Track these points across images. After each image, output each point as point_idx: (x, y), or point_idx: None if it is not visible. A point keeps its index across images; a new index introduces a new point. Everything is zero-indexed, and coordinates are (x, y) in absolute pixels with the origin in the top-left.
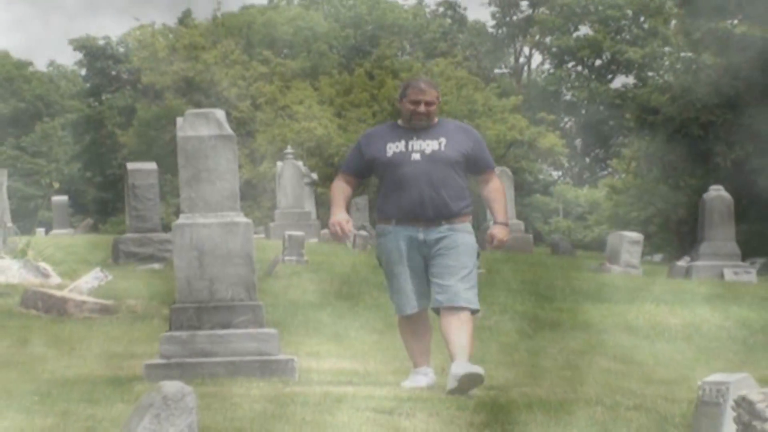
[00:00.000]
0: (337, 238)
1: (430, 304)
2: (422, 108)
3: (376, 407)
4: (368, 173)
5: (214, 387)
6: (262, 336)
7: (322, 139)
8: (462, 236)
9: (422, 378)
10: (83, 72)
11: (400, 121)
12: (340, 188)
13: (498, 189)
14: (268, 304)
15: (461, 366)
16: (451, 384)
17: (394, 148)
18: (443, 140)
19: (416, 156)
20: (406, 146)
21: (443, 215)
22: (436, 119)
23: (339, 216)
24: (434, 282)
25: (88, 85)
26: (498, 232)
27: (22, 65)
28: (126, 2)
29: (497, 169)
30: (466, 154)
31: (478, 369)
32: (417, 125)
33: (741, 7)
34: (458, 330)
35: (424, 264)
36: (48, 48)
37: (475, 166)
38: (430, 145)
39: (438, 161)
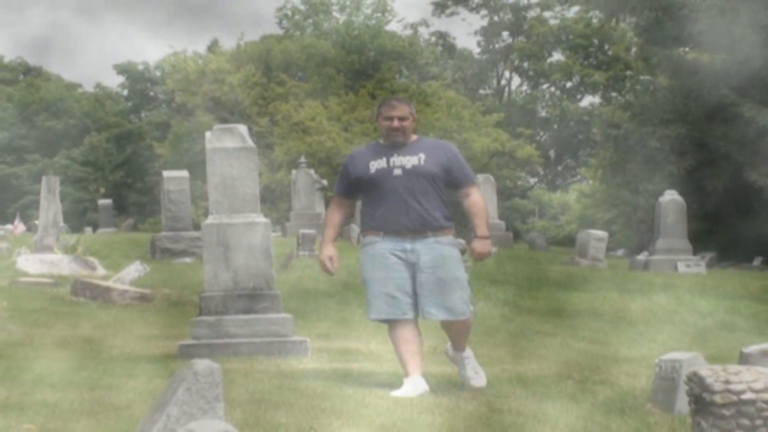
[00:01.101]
0: (326, 271)
1: (423, 315)
2: (396, 123)
3: (377, 382)
4: (357, 192)
5: (238, 364)
6: (279, 320)
7: (331, 151)
8: (448, 249)
9: (411, 389)
10: (125, 93)
11: (381, 140)
12: (333, 216)
13: (478, 203)
14: (285, 293)
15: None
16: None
17: (376, 165)
18: (422, 155)
19: (398, 171)
20: (388, 162)
21: (429, 227)
22: (414, 136)
23: (327, 251)
24: (429, 297)
25: (129, 104)
26: (478, 245)
27: (73, 87)
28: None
29: (481, 177)
30: (445, 168)
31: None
32: (394, 141)
33: (692, 36)
34: (456, 336)
35: (409, 275)
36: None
37: (454, 181)
38: (410, 161)
39: (418, 175)
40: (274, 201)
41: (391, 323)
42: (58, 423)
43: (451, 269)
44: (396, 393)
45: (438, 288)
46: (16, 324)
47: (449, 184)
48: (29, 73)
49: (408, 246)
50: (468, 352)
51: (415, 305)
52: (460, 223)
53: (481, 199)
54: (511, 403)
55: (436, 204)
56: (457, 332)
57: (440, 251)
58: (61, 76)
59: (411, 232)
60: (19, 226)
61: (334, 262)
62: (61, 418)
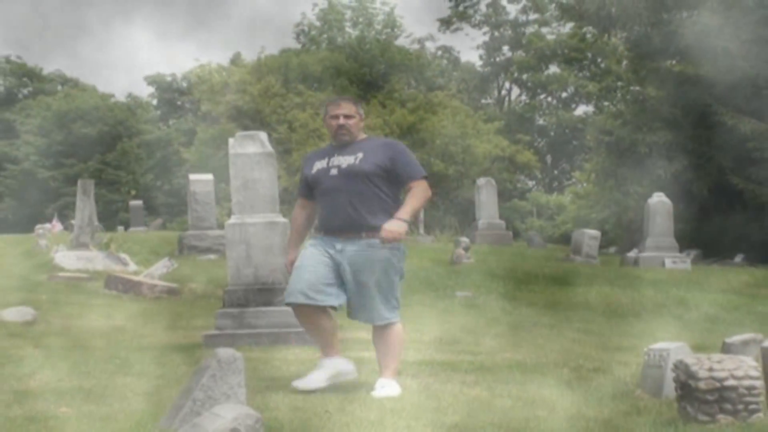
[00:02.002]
0: (290, 273)
1: (349, 317)
2: (341, 121)
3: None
4: (313, 193)
5: (259, 353)
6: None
7: None
8: (379, 253)
9: (315, 376)
10: (155, 102)
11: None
12: (296, 219)
13: (414, 193)
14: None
15: (380, 388)
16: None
17: (318, 165)
18: (360, 155)
19: (334, 171)
20: (328, 162)
21: (362, 228)
22: (363, 135)
23: (291, 257)
24: (352, 299)
25: (158, 112)
26: (389, 224)
27: (106, 97)
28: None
29: (483, 179)
30: (383, 167)
31: (393, 392)
32: (341, 140)
33: (678, 50)
34: (383, 347)
35: (333, 271)
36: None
37: (397, 178)
38: (346, 160)
39: (353, 175)
40: (292, 202)
41: (300, 307)
42: (92, 407)
43: (374, 272)
44: (297, 383)
45: (358, 292)
46: (54, 316)
47: (392, 182)
48: (66, 83)
49: (339, 246)
50: (389, 382)
51: (337, 295)
52: (465, 222)
53: (421, 191)
54: (510, 388)
55: (371, 205)
56: (384, 345)
57: (368, 254)
58: (95, 87)
59: (343, 233)
60: (56, 225)
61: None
62: (95, 402)
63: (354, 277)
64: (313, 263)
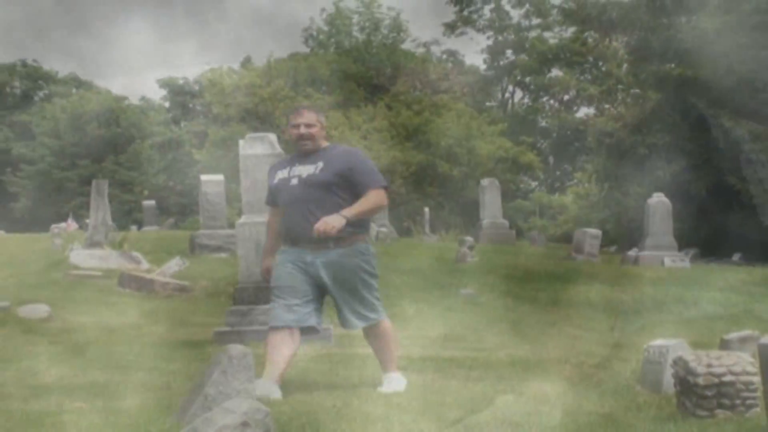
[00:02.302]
0: (267, 281)
1: (343, 325)
2: (302, 130)
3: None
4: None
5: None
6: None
7: None
8: (348, 259)
9: (264, 387)
10: (167, 104)
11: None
12: (270, 226)
13: (367, 197)
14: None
15: (387, 383)
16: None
17: (280, 175)
18: (320, 164)
19: (294, 181)
20: (289, 172)
21: (330, 237)
22: (325, 144)
23: (265, 263)
24: (342, 307)
25: (170, 114)
26: (328, 218)
27: (120, 99)
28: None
29: (487, 180)
30: (342, 176)
31: (399, 386)
32: (302, 149)
33: (677, 54)
34: (378, 345)
35: (310, 284)
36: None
37: (355, 187)
38: (307, 170)
39: (313, 184)
40: None
41: (275, 329)
42: (105, 402)
43: (349, 280)
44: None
45: (342, 299)
46: (68, 313)
47: (351, 190)
48: (81, 86)
49: (309, 258)
50: (394, 375)
51: (318, 312)
52: (470, 222)
53: (374, 197)
54: (514, 384)
55: (334, 213)
56: (378, 343)
57: (339, 263)
58: (110, 90)
59: (309, 243)
60: (71, 225)
61: (270, 275)
62: (109, 397)
63: (335, 286)
64: (291, 283)
